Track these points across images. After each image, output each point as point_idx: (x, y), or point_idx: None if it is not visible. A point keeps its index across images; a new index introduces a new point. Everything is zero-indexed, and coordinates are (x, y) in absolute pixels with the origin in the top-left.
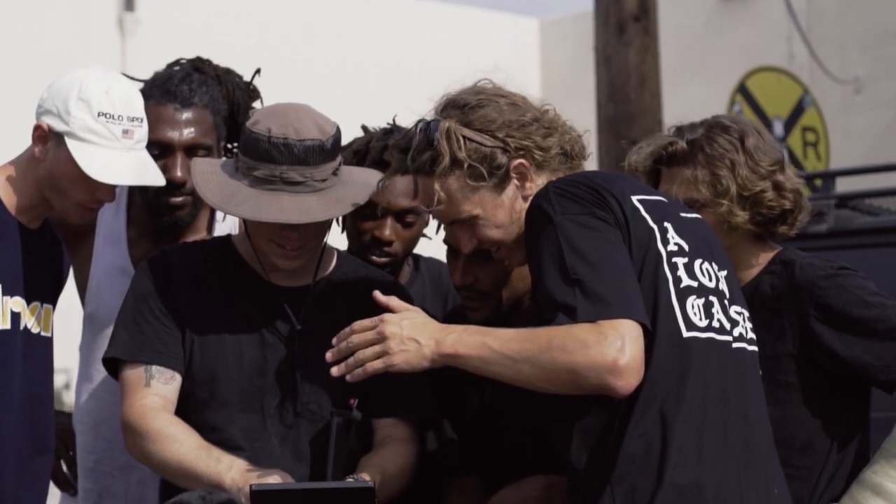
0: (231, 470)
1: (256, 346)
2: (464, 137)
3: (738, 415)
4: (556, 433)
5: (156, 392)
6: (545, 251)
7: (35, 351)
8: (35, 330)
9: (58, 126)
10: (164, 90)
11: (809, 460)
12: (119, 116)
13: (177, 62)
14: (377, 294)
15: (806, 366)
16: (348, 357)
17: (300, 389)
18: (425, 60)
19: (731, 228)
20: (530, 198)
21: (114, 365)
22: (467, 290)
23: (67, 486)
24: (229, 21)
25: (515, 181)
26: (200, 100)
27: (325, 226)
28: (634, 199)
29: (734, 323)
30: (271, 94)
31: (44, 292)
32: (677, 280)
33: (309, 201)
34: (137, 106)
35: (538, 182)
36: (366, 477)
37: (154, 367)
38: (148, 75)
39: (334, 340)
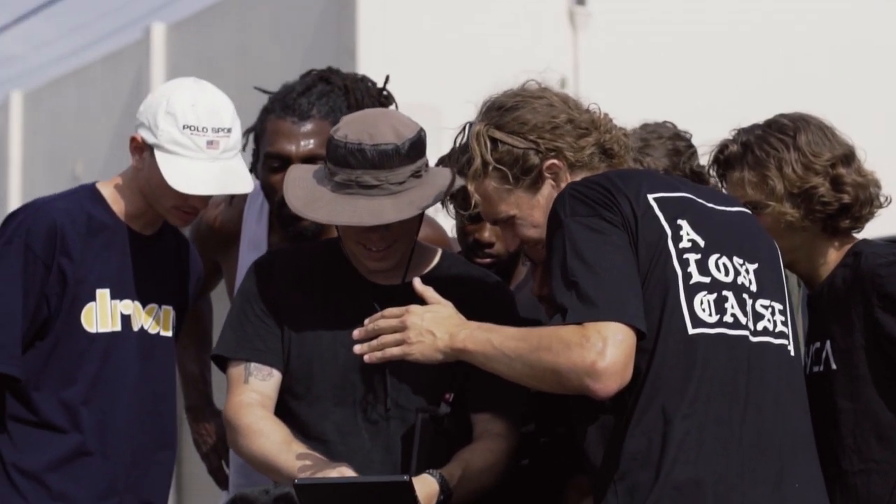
0: (297, 464)
1: (350, 342)
2: (493, 140)
3: (752, 408)
4: (578, 433)
5: (253, 388)
6: (554, 252)
7: (154, 350)
8: (153, 331)
9: (149, 138)
10: (283, 104)
11: (888, 453)
12: (203, 128)
13: (308, 73)
14: (416, 282)
15: (877, 357)
16: (373, 339)
17: (390, 385)
18: None
19: (790, 227)
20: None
21: (222, 362)
22: (545, 301)
23: (227, 484)
24: (695, 8)
25: (550, 181)
26: (319, 111)
27: (411, 226)
28: (651, 197)
29: (758, 317)
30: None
31: (162, 295)
32: (687, 277)
33: (383, 204)
34: (225, 117)
35: (578, 176)
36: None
37: (252, 365)
38: (599, 68)
39: (366, 321)
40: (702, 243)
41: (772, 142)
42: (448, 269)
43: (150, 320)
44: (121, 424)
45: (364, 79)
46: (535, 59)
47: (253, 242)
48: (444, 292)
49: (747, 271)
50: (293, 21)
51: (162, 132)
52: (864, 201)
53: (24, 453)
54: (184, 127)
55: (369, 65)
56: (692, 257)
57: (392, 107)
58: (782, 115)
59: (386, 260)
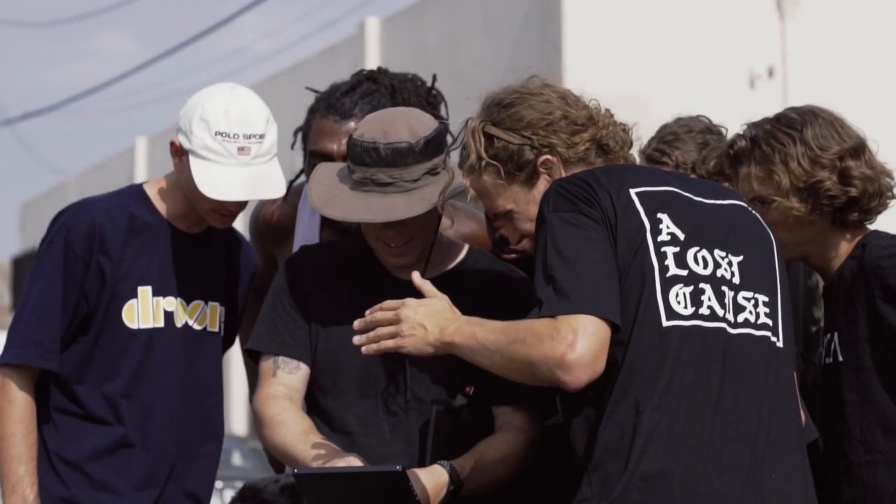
0: (311, 454)
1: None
2: (489, 136)
3: (726, 399)
4: (566, 425)
5: (281, 381)
6: (538, 247)
7: (200, 346)
8: (199, 327)
9: (185, 144)
10: (327, 103)
11: (894, 444)
12: (235, 135)
13: (358, 73)
14: (415, 276)
15: (881, 349)
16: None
17: (410, 378)
18: None
19: (798, 221)
20: None
21: (256, 356)
22: None
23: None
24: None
25: (546, 176)
26: (362, 110)
27: (429, 222)
28: (633, 191)
29: (739, 309)
30: None
31: (208, 292)
32: (664, 269)
33: (396, 201)
34: (257, 123)
35: (562, 177)
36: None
37: (280, 358)
38: (807, 57)
39: (367, 313)
40: (681, 236)
41: (779, 136)
42: (473, 265)
43: (196, 317)
44: (163, 417)
45: (413, 78)
46: (742, 49)
47: (306, 237)
48: (467, 287)
49: (730, 264)
50: (501, 14)
51: (196, 138)
52: (873, 194)
53: (68, 443)
54: (216, 133)
55: (575, 57)
56: (670, 250)
57: (441, 107)
58: (792, 109)
59: (405, 255)
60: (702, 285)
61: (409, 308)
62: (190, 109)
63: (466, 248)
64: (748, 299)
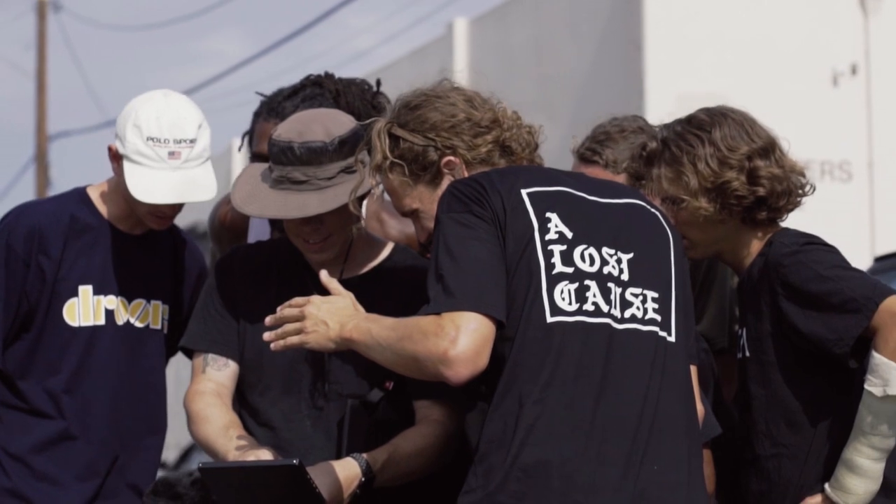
0: (231, 448)
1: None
2: (394, 136)
3: (608, 392)
4: (464, 418)
5: (209, 378)
6: (433, 247)
7: (141, 343)
8: (140, 325)
9: (120, 149)
10: (269, 107)
11: (796, 438)
12: (165, 140)
13: (305, 78)
14: (322, 274)
15: (784, 345)
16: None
17: (331, 373)
18: None
19: (709, 221)
20: None
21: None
22: None
23: None
24: None
25: (449, 177)
26: None
27: (346, 220)
28: (524, 191)
29: (627, 305)
30: None
31: (151, 291)
32: (550, 267)
33: (309, 198)
34: (188, 128)
35: (457, 179)
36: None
37: (210, 356)
38: (892, 54)
39: (278, 310)
40: (569, 235)
41: (688, 138)
42: (396, 263)
43: (138, 315)
44: (103, 411)
45: (361, 83)
46: (824, 46)
47: (258, 238)
48: (389, 285)
49: (618, 261)
50: (586, 14)
51: (129, 143)
52: (782, 192)
53: (12, 436)
54: (147, 138)
55: (656, 57)
56: (557, 248)
57: (387, 110)
58: (703, 110)
59: (323, 252)
60: (587, 282)
61: (314, 305)
62: (124, 116)
63: (391, 246)
64: (636, 295)
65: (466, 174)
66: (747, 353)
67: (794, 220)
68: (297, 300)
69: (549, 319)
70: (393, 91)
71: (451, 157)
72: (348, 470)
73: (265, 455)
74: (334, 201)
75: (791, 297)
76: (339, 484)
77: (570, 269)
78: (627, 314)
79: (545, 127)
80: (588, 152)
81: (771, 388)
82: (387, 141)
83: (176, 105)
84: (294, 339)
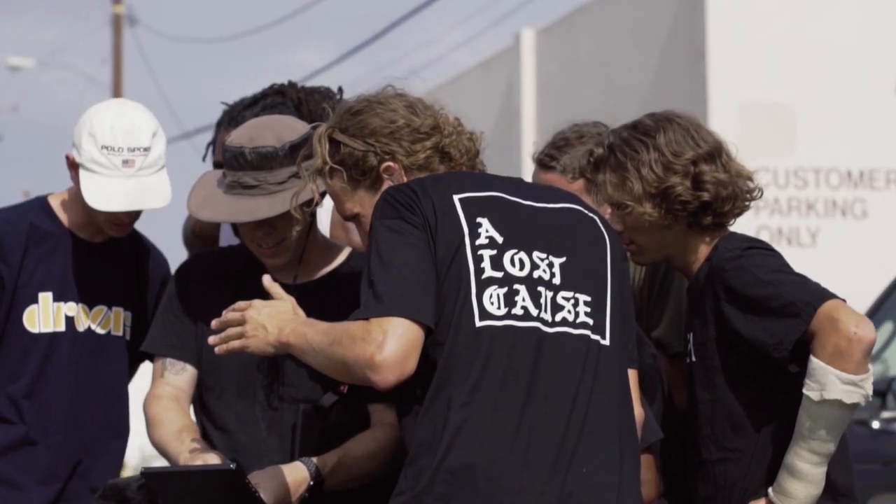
0: (184, 452)
1: None
2: (335, 141)
3: (536, 395)
4: (399, 422)
5: (167, 382)
6: (366, 253)
7: (103, 349)
8: (102, 331)
9: (76, 157)
10: (230, 116)
11: (741, 442)
12: (119, 148)
13: (269, 86)
14: (265, 279)
15: (727, 348)
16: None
17: (285, 377)
18: None
19: (655, 226)
20: None
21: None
22: None
23: None
24: None
25: (389, 182)
26: None
27: (297, 224)
28: (456, 197)
29: (557, 308)
30: None
31: (112, 297)
32: (479, 272)
33: (260, 202)
34: (142, 136)
35: (391, 186)
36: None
37: (168, 360)
38: None
39: (224, 313)
40: (500, 240)
41: (633, 143)
42: (353, 267)
43: (99, 321)
44: (64, 416)
45: (326, 91)
46: (888, 54)
47: (229, 244)
48: (344, 289)
49: (550, 265)
50: (649, 23)
51: (84, 151)
52: (727, 197)
53: None
54: (102, 147)
55: (719, 65)
56: (487, 253)
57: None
58: (649, 115)
59: (277, 256)
60: (517, 286)
61: (255, 309)
62: (80, 125)
63: (348, 251)
64: (567, 299)
65: (405, 180)
66: (693, 358)
67: (860, 228)
68: (240, 304)
69: (479, 324)
70: (462, 102)
71: (391, 163)
72: (296, 474)
73: (213, 459)
74: (283, 205)
75: (733, 301)
76: (286, 487)
77: (499, 274)
78: (558, 318)
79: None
80: (546, 158)
81: (715, 393)
82: (327, 146)
83: (130, 114)
84: (235, 344)
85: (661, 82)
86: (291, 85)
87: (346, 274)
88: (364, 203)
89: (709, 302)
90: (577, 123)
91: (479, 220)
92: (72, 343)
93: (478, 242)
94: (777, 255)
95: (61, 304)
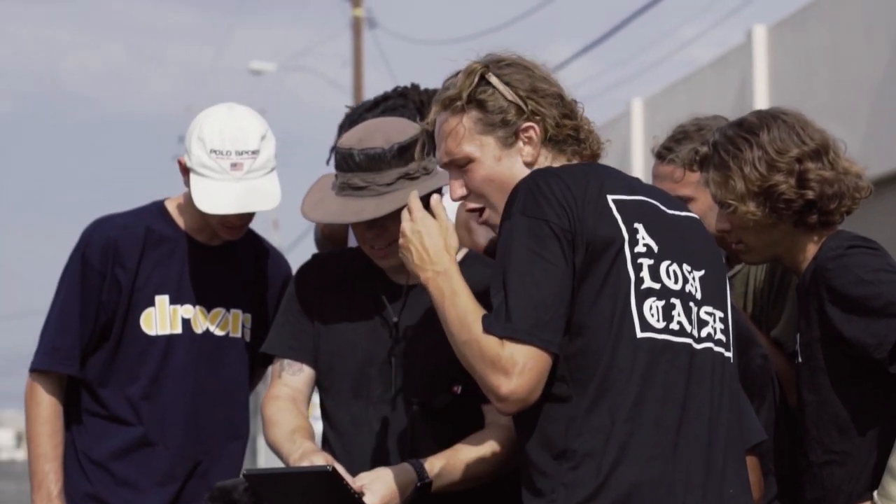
0: (294, 453)
1: (368, 338)
2: (486, 81)
3: (690, 414)
4: (519, 426)
5: (285, 382)
6: (500, 243)
7: (221, 351)
8: (220, 333)
9: (187, 162)
10: (351, 120)
11: (847, 445)
12: (228, 152)
13: (394, 89)
14: (433, 198)
15: (831, 349)
16: None
17: (397, 378)
18: None
19: (760, 225)
20: (530, 167)
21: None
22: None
23: None
24: None
25: (521, 145)
26: None
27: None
28: (610, 198)
29: (702, 324)
30: None
31: (230, 299)
32: (639, 281)
33: (368, 203)
34: (250, 140)
35: (543, 155)
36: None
37: (286, 361)
38: None
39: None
40: (655, 248)
41: (736, 142)
42: (466, 271)
43: (217, 323)
44: (181, 417)
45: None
46: None
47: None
48: None
49: (694, 279)
50: (880, 16)
51: (194, 156)
52: (832, 196)
53: (94, 443)
54: (210, 151)
55: None
56: (646, 262)
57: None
58: (754, 113)
59: (389, 258)
60: (673, 300)
61: (411, 228)
62: (190, 130)
63: (463, 252)
64: (709, 314)
65: (540, 152)
66: (800, 359)
67: None
68: (408, 209)
69: (640, 335)
70: (696, 99)
71: (533, 125)
72: (403, 475)
73: (319, 460)
74: (390, 205)
75: (835, 301)
76: (392, 489)
77: (657, 286)
78: (704, 333)
79: (842, 133)
80: (664, 150)
81: (821, 395)
82: (475, 81)
83: (239, 118)
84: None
85: (892, 77)
86: (414, 87)
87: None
88: (486, 151)
89: (813, 302)
90: (698, 117)
91: (635, 225)
92: (189, 345)
93: (636, 250)
94: (881, 254)
95: (177, 306)
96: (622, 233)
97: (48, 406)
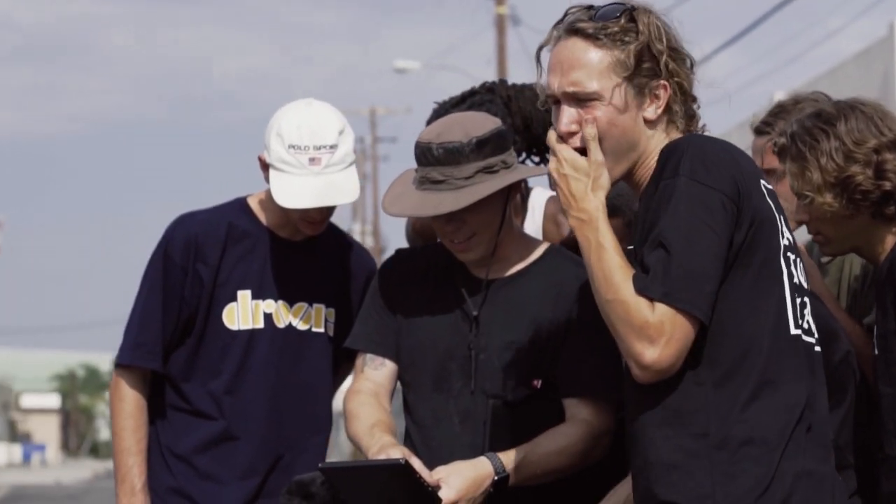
0: (373, 447)
1: (449, 333)
2: (646, 25)
3: (816, 410)
4: (632, 411)
5: (367, 377)
6: (660, 202)
7: (303, 345)
8: (303, 327)
9: (266, 158)
10: (437, 115)
11: None
12: (306, 147)
13: (482, 84)
14: (550, 134)
15: None
16: None
17: (478, 372)
18: None
19: (838, 216)
20: (651, 126)
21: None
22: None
23: None
24: None
25: (650, 102)
26: None
27: (489, 219)
28: (762, 183)
29: (810, 323)
30: None
31: (313, 294)
32: (790, 276)
33: (445, 197)
34: (328, 135)
35: (662, 119)
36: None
37: (368, 356)
38: None
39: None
40: (791, 243)
41: (813, 133)
42: (548, 264)
43: (300, 317)
44: (264, 412)
45: (529, 87)
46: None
47: None
48: (537, 287)
49: (801, 270)
50: None
51: (273, 152)
52: None
53: (177, 437)
54: (289, 146)
55: None
56: (791, 257)
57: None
58: (832, 103)
59: (469, 251)
60: (805, 298)
61: (558, 153)
62: (270, 126)
63: (544, 247)
64: (808, 310)
65: (662, 116)
66: (876, 351)
67: None
68: (560, 151)
69: (793, 331)
70: (838, 92)
71: (667, 85)
72: (480, 469)
73: (396, 454)
74: (468, 199)
75: None
76: (469, 482)
77: (797, 282)
78: (813, 330)
79: None
80: (762, 125)
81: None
82: (646, 25)
83: (317, 113)
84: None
85: None
86: (502, 82)
87: (540, 271)
88: (615, 94)
89: (889, 294)
90: (799, 93)
91: (780, 217)
92: (271, 339)
93: (784, 242)
94: None
95: (259, 301)
96: (777, 223)
97: (132, 401)
